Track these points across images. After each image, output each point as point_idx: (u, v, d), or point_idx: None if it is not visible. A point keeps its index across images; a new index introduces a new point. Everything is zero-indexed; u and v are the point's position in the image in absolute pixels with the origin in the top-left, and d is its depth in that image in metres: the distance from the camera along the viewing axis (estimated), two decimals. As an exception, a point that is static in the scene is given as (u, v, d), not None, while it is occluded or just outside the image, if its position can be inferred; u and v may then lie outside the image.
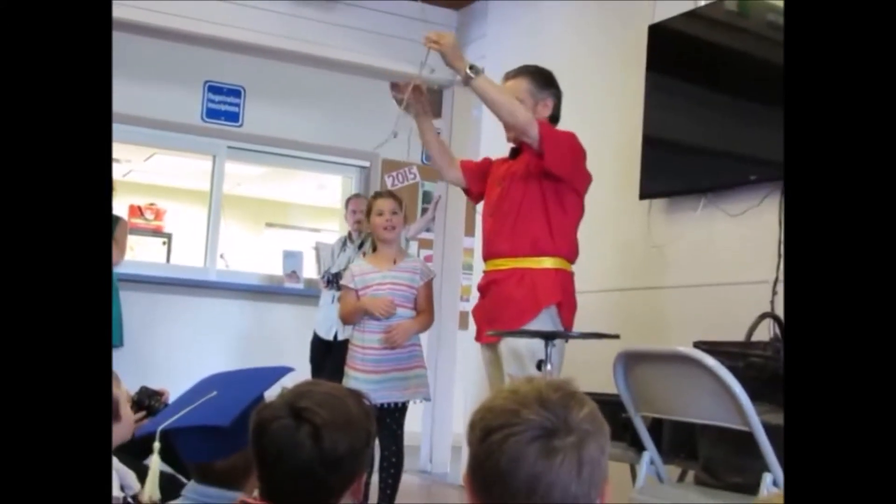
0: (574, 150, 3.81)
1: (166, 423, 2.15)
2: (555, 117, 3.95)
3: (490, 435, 1.39)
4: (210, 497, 2.10)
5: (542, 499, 1.37)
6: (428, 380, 4.61)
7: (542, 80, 3.94)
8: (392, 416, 4.47)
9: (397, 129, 3.83)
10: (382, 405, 4.39)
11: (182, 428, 2.15)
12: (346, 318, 4.75)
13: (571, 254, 3.85)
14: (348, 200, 6.98)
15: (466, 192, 4.25)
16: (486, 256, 3.93)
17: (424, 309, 4.59)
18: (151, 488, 2.19)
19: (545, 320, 3.71)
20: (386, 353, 4.47)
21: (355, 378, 4.41)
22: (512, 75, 3.95)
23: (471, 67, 3.63)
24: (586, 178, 3.89)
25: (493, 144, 6.11)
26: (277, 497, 1.79)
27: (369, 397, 1.96)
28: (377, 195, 4.81)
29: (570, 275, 3.85)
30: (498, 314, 3.80)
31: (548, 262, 3.77)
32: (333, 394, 1.86)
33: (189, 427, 2.14)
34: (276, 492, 1.80)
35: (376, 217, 4.62)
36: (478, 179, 4.10)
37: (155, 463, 2.18)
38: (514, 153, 3.99)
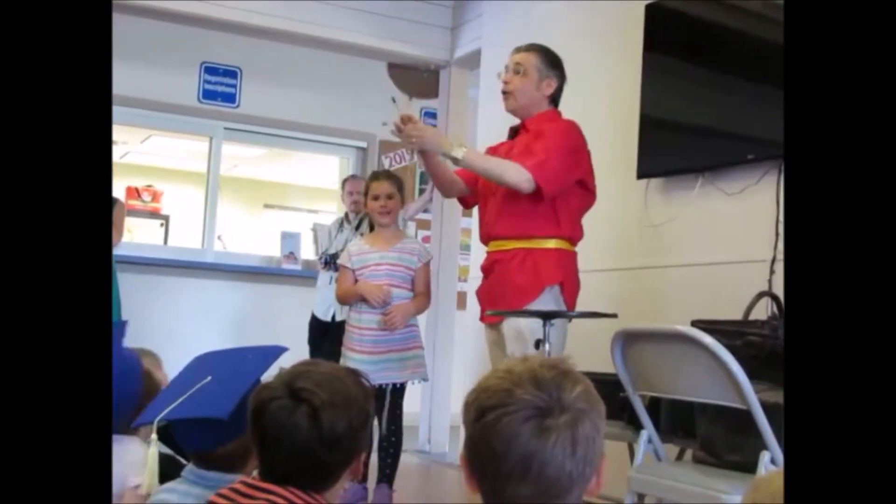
0: (567, 159, 3.77)
1: (162, 413, 2.14)
2: (555, 99, 3.95)
3: (484, 415, 1.41)
4: (209, 480, 2.10)
5: (536, 477, 1.38)
6: (425, 360, 4.61)
7: (551, 59, 3.95)
8: (390, 397, 4.48)
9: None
10: (381, 386, 4.40)
11: (180, 419, 2.15)
12: (343, 299, 4.75)
13: (574, 236, 3.85)
14: (345, 181, 6.97)
15: (462, 199, 4.22)
16: (488, 238, 3.93)
17: (422, 291, 4.59)
18: (150, 481, 2.17)
19: (547, 300, 3.71)
20: (383, 334, 4.47)
21: (353, 359, 4.41)
22: (523, 49, 3.97)
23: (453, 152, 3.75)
24: (587, 169, 3.86)
25: (490, 124, 6.10)
26: (277, 477, 1.79)
27: (368, 377, 1.97)
28: (374, 177, 4.76)
29: (573, 255, 3.85)
30: (500, 295, 3.81)
31: (550, 243, 3.77)
32: (332, 374, 1.86)
33: (187, 419, 2.13)
34: (275, 472, 1.80)
35: (372, 201, 4.60)
36: (474, 183, 4.08)
37: (152, 455, 2.16)
38: (514, 132, 3.99)
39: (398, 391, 4.53)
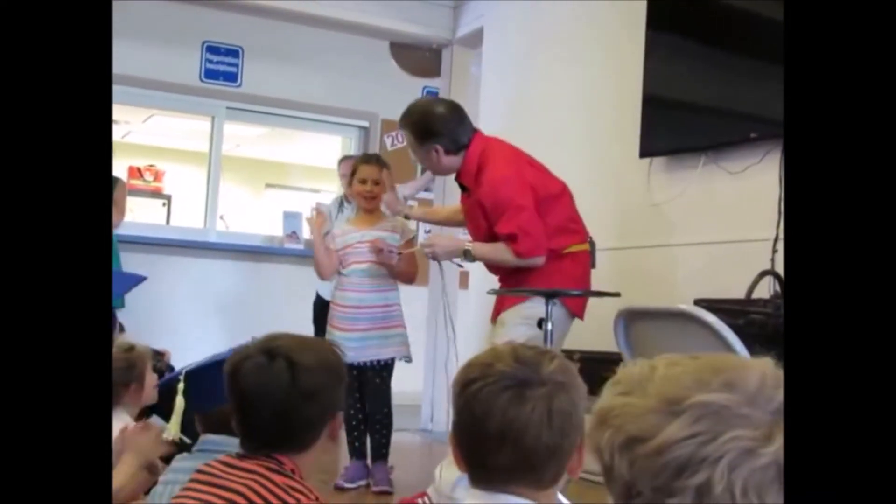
0: (526, 210, 3.73)
1: (189, 368, 2.24)
2: (457, 148, 3.89)
3: (468, 387, 1.50)
4: (215, 444, 2.14)
5: (514, 444, 1.45)
6: (408, 339, 4.61)
7: (420, 132, 3.92)
8: (379, 376, 4.50)
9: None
10: (367, 364, 4.43)
11: (203, 367, 2.23)
12: (321, 273, 4.69)
13: (558, 244, 3.82)
14: (340, 162, 6.98)
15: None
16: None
17: (406, 268, 4.61)
18: (175, 427, 2.26)
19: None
20: (361, 312, 4.50)
21: (335, 336, 4.42)
22: (401, 125, 4.02)
23: (465, 252, 3.89)
24: (537, 187, 3.79)
25: (492, 103, 6.10)
26: (257, 441, 1.82)
27: (342, 349, 2.04)
28: (365, 160, 4.75)
29: (568, 258, 3.84)
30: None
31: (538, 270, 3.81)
32: (304, 337, 1.94)
33: (210, 364, 2.20)
34: (254, 435, 1.83)
35: (359, 184, 4.58)
36: None
37: (179, 403, 2.24)
38: (463, 187, 4.01)
39: (386, 369, 4.53)
